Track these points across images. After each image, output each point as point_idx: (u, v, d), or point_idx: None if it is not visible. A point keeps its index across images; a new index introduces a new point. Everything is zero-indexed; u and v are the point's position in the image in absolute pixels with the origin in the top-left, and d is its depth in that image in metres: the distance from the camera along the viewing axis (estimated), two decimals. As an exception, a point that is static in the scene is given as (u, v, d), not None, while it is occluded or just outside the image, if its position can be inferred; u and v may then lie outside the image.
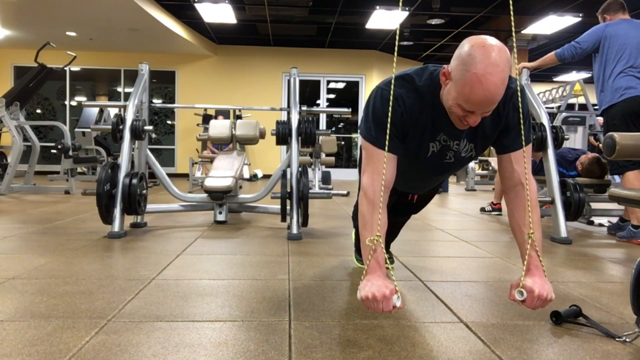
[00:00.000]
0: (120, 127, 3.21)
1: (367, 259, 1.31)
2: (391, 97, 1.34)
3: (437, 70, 1.38)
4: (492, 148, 1.60)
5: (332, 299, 1.77)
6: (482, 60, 1.20)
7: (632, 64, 3.18)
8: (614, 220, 3.61)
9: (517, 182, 1.45)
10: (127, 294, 1.77)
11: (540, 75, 12.17)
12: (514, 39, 1.35)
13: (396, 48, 1.39)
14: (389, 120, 1.32)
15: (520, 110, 1.40)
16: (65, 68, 6.66)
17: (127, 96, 6.17)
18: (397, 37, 1.43)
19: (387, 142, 1.33)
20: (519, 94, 1.40)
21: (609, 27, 3.29)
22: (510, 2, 1.35)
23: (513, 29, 1.36)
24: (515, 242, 1.45)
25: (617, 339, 1.40)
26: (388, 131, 1.32)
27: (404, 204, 2.02)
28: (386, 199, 1.39)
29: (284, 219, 3.12)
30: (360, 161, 1.58)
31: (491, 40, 1.23)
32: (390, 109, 1.33)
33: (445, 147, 1.48)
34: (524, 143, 1.42)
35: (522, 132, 1.41)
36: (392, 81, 1.36)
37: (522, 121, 1.40)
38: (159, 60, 10.00)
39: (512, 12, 1.35)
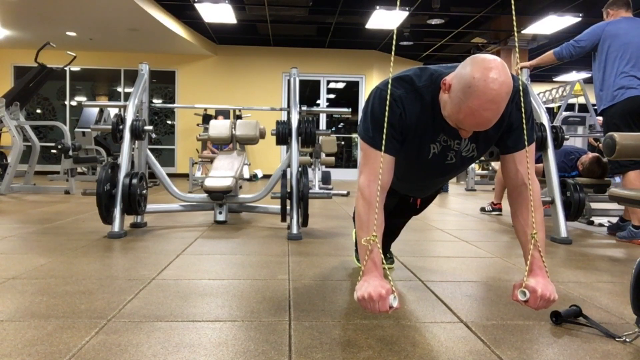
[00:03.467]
0: (120, 127, 3.21)
1: (364, 260, 1.32)
2: (388, 98, 1.34)
3: (437, 71, 1.37)
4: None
5: (332, 299, 1.77)
6: (480, 96, 1.17)
7: (632, 63, 3.16)
8: (614, 220, 3.60)
9: (520, 183, 1.44)
10: (127, 294, 1.77)
11: (540, 75, 12.18)
12: (516, 39, 1.35)
13: (393, 50, 1.39)
14: (385, 120, 1.32)
15: (524, 109, 1.39)
16: (65, 68, 6.66)
17: (127, 96, 6.17)
18: (394, 38, 1.43)
19: (384, 143, 1.33)
20: (522, 93, 1.39)
21: (609, 25, 3.27)
22: (512, 1, 1.35)
23: (515, 28, 1.36)
24: (518, 242, 1.45)
25: (617, 339, 1.40)
26: (385, 131, 1.33)
27: (405, 207, 2.02)
28: (383, 199, 1.39)
29: (284, 219, 3.12)
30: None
31: (495, 70, 1.18)
32: (387, 109, 1.33)
33: (446, 148, 1.48)
34: (526, 144, 1.42)
35: (526, 132, 1.41)
36: (389, 82, 1.36)
37: (525, 121, 1.39)
38: (159, 60, 10.00)
39: (513, 12, 1.35)
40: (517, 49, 1.44)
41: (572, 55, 3.34)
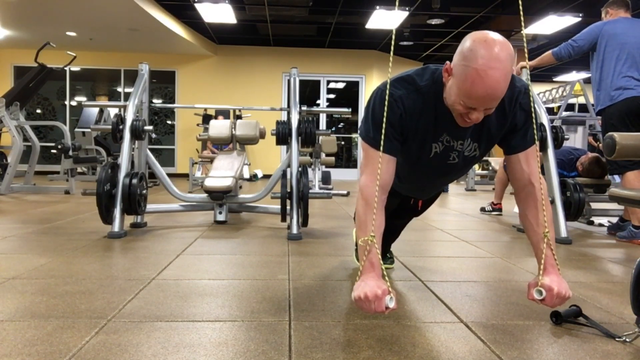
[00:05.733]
0: (120, 127, 3.21)
1: (362, 260, 1.32)
2: (386, 99, 1.34)
3: (438, 70, 1.38)
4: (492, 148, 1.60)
5: (332, 299, 1.77)
6: (484, 55, 1.19)
7: (630, 64, 3.16)
8: (614, 220, 3.60)
9: (527, 182, 1.45)
10: (127, 294, 1.77)
11: (540, 75, 12.18)
12: (524, 38, 1.35)
13: (392, 51, 1.39)
14: (384, 120, 1.33)
15: (529, 109, 1.40)
16: (65, 68, 6.66)
17: (127, 96, 6.17)
18: (392, 39, 1.43)
19: (382, 143, 1.33)
20: (527, 93, 1.40)
21: (607, 25, 3.27)
22: (520, 2, 1.35)
23: (523, 27, 1.36)
24: (529, 241, 1.46)
25: (617, 339, 1.40)
26: (383, 131, 1.33)
27: (406, 209, 2.02)
28: (384, 200, 1.39)
29: (284, 219, 3.12)
30: None
31: (493, 35, 1.22)
32: (385, 110, 1.33)
33: (448, 148, 1.47)
34: (536, 141, 1.43)
35: (532, 132, 1.42)
36: (387, 84, 1.36)
37: (530, 121, 1.40)
38: (159, 60, 10.00)
39: (521, 11, 1.35)
40: (525, 49, 1.45)
41: (570, 55, 3.34)
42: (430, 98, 1.37)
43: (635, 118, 3.14)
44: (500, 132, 1.44)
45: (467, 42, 1.24)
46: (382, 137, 1.33)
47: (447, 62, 1.31)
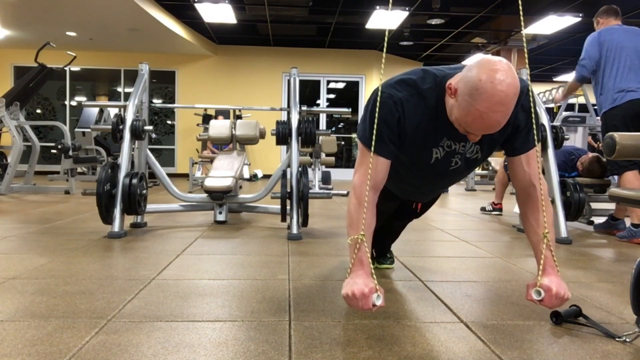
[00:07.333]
0: (120, 127, 3.21)
1: (352, 258, 1.33)
2: (378, 100, 1.35)
3: (441, 73, 1.37)
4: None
5: (332, 299, 1.77)
6: (489, 98, 1.17)
7: (629, 67, 3.21)
8: (614, 220, 3.61)
9: (529, 184, 1.45)
10: (127, 294, 1.77)
11: (540, 75, 12.18)
12: (524, 40, 1.35)
13: (384, 52, 1.39)
14: (376, 122, 1.33)
15: (530, 110, 1.40)
16: (65, 68, 6.66)
17: (127, 96, 6.17)
18: (385, 40, 1.43)
19: (373, 143, 1.34)
20: (528, 94, 1.40)
21: (602, 33, 3.35)
22: (520, 2, 1.35)
23: (522, 26, 1.36)
24: (529, 242, 1.47)
25: (617, 339, 1.40)
26: (375, 132, 1.34)
27: (406, 211, 2.03)
28: (374, 199, 1.40)
29: (284, 219, 3.12)
30: None
31: (502, 72, 1.17)
32: (377, 111, 1.34)
33: (450, 153, 1.47)
34: (536, 143, 1.43)
35: (533, 134, 1.42)
36: (379, 89, 1.36)
37: (533, 122, 1.40)
38: (159, 60, 9.99)
39: (521, 11, 1.34)
40: (525, 49, 1.45)
41: (587, 71, 3.37)
42: (432, 102, 1.37)
43: (637, 120, 3.16)
44: (502, 135, 1.44)
45: (473, 72, 1.20)
46: (374, 137, 1.34)
47: (451, 82, 1.29)
